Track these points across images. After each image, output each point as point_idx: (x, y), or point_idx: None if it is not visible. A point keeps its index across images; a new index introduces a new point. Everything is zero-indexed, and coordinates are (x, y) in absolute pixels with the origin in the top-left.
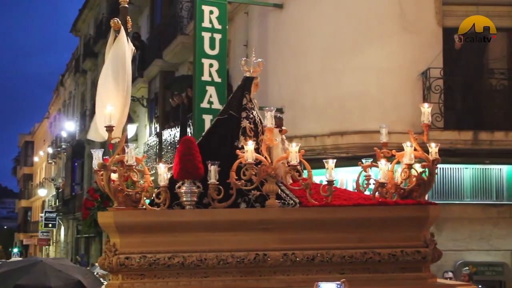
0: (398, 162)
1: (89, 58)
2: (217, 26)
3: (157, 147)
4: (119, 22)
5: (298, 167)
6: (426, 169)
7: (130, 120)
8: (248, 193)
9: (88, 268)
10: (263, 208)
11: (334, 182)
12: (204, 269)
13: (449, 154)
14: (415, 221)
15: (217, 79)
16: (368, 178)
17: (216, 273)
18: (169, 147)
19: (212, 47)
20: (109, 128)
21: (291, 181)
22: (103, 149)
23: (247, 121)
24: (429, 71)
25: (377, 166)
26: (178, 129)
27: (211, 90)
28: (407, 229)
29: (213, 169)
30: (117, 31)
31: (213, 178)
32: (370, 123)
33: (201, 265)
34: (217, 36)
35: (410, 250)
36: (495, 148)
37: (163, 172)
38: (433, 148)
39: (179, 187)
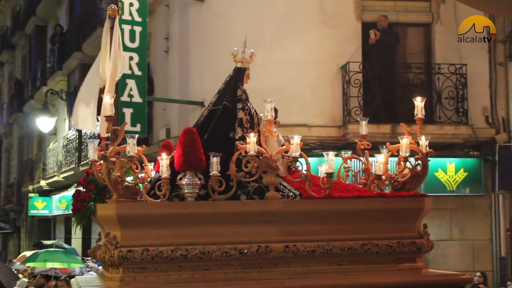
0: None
1: (6, 50)
2: (137, 18)
3: (77, 141)
4: (116, 8)
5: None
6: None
7: (49, 113)
8: (247, 185)
9: (6, 264)
10: (266, 200)
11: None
12: (206, 262)
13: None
14: (411, 212)
15: (137, 72)
16: (347, 170)
17: (218, 265)
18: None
19: (132, 40)
20: (109, 118)
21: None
22: (98, 140)
23: (243, 112)
24: (349, 65)
25: (357, 158)
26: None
27: (131, 83)
28: (404, 221)
29: (215, 160)
30: (113, 18)
31: (215, 169)
32: (291, 117)
33: (204, 257)
34: (137, 29)
35: (406, 241)
36: None
37: (165, 163)
38: (424, 141)
39: (181, 179)
